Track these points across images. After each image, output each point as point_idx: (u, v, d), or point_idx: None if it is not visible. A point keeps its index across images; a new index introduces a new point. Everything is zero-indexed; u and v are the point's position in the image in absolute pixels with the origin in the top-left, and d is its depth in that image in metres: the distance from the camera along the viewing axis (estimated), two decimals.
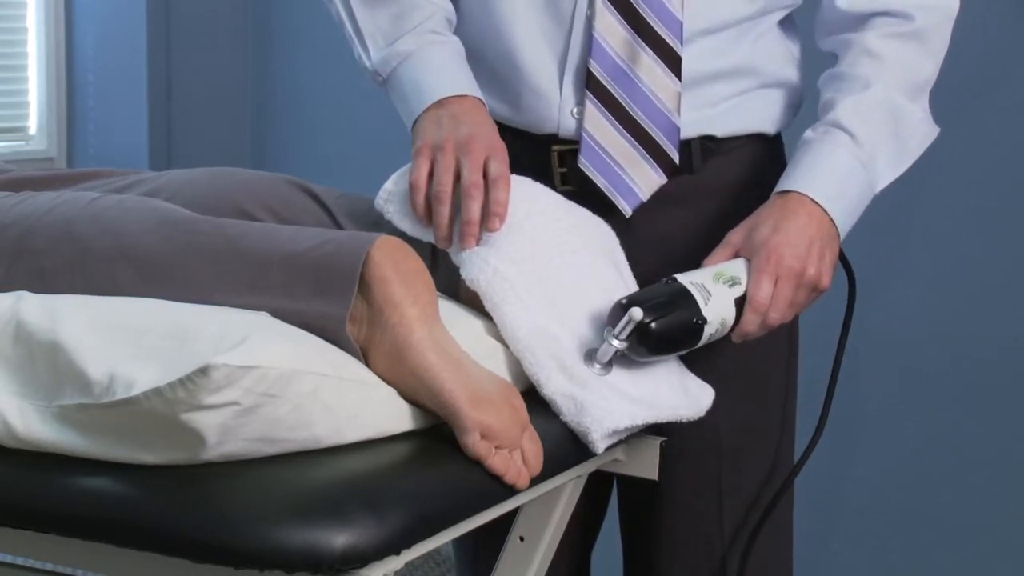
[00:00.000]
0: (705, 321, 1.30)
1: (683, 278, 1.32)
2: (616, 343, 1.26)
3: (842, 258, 1.46)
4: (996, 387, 2.41)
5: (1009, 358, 2.39)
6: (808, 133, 1.44)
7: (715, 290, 1.32)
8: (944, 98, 1.51)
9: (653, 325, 1.26)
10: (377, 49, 1.47)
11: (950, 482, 2.47)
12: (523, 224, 1.32)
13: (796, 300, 1.36)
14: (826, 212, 1.38)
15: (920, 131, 1.46)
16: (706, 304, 1.30)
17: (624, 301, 1.28)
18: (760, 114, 1.50)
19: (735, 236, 1.38)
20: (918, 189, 2.39)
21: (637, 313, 1.25)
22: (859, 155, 1.42)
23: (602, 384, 1.25)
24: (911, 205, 2.42)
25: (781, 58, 1.52)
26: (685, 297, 1.30)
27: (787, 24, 1.53)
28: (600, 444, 1.22)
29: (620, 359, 1.28)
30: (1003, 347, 2.40)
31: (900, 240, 2.48)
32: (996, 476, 2.42)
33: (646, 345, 1.27)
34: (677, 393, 1.33)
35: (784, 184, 1.41)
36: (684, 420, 1.32)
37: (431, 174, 1.32)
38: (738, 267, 1.36)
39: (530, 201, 1.35)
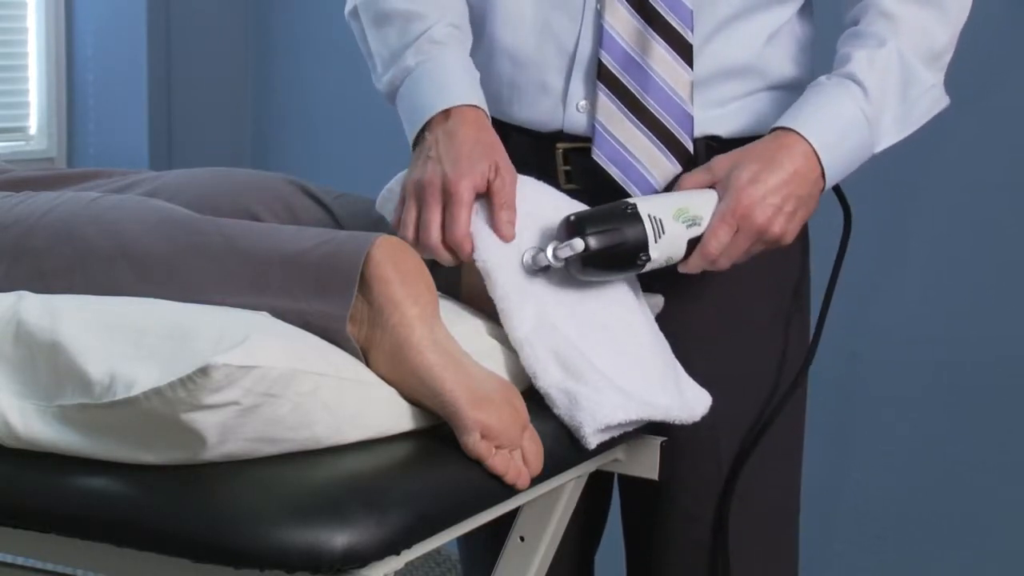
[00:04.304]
0: (649, 259, 1.30)
1: (643, 208, 1.30)
2: (554, 262, 1.27)
3: (838, 192, 1.46)
4: (994, 388, 2.41)
5: (1007, 360, 2.39)
6: (822, 79, 1.43)
7: (671, 228, 1.31)
8: None
9: (595, 254, 1.27)
10: (385, 70, 1.43)
11: (951, 483, 2.47)
12: (527, 221, 1.32)
13: (751, 251, 1.36)
14: (819, 159, 1.37)
15: (928, 97, 1.43)
16: (656, 241, 1.29)
17: (572, 218, 1.28)
18: (767, 116, 1.48)
19: (718, 165, 1.37)
20: (916, 190, 2.40)
21: (579, 244, 1.26)
22: (866, 110, 1.40)
23: (598, 378, 1.24)
24: (909, 206, 2.41)
25: (793, 59, 1.50)
26: (636, 231, 1.29)
27: (804, 21, 1.51)
28: (592, 439, 1.21)
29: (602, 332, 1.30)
30: (1001, 349, 2.40)
31: (898, 242, 2.47)
32: (996, 477, 2.42)
33: (585, 265, 1.28)
34: (672, 395, 1.32)
35: (785, 120, 1.39)
36: (676, 422, 1.31)
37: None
38: (705, 205, 1.34)
39: (533, 202, 1.34)
